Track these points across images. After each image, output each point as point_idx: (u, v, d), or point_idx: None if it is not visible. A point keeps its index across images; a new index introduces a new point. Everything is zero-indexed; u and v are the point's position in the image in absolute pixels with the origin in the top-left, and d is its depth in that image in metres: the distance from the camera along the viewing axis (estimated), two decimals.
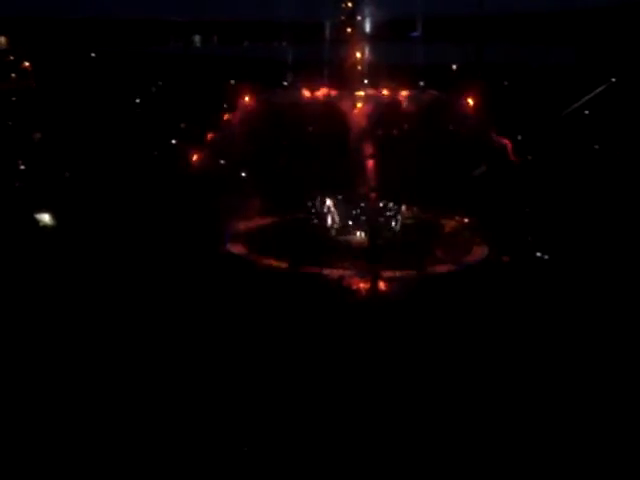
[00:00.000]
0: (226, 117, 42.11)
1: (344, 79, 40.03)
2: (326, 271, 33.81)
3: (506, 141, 40.83)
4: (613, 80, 63.74)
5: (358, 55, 40.05)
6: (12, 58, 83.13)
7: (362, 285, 32.96)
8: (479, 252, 37.37)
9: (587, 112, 62.37)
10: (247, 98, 41.26)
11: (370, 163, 38.88)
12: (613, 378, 25.23)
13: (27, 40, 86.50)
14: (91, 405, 23.53)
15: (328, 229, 39.32)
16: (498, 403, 23.96)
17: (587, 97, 61.69)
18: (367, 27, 40.25)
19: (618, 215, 39.85)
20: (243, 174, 42.93)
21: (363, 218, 39.02)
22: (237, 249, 37.11)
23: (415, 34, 58.17)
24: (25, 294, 30.96)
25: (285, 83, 54.60)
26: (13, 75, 79.37)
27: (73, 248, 35.78)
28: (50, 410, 23.44)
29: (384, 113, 40.03)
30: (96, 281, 32.21)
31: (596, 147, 54.18)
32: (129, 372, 25.48)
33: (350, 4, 39.82)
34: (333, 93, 40.03)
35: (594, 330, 28.19)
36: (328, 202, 39.47)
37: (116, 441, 22.02)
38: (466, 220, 40.70)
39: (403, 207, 40.17)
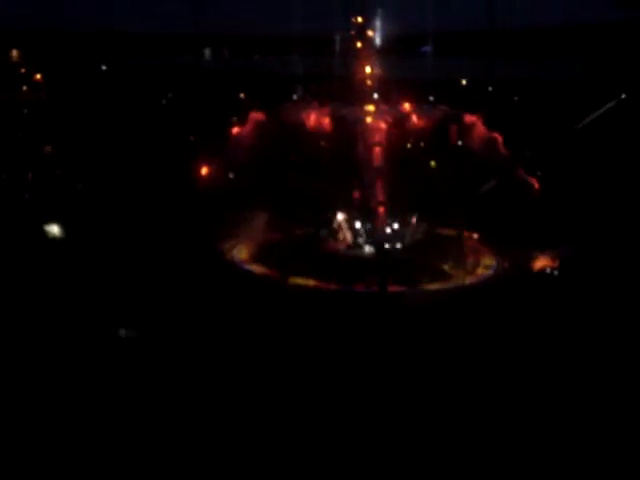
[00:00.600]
0: (235, 131, 42.17)
1: (354, 94, 40.06)
2: (336, 287, 33.79)
3: (515, 156, 40.81)
4: (624, 96, 63.70)
5: (368, 70, 40.10)
6: (24, 70, 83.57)
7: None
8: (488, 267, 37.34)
9: (597, 127, 62.25)
10: (257, 112, 41.31)
11: (380, 178, 38.88)
12: (625, 389, 25.16)
13: (39, 52, 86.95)
14: (88, 421, 23.45)
15: (339, 245, 39.24)
16: (509, 415, 23.91)
17: (599, 111, 61.60)
18: (377, 42, 40.31)
19: (629, 229, 39.71)
20: (253, 189, 42.90)
21: (373, 233, 38.97)
22: (247, 264, 37.18)
23: (425, 49, 58.32)
24: (33, 303, 31.07)
25: (295, 97, 54.67)
26: (25, 87, 79.76)
27: (81, 259, 35.86)
28: (48, 415, 23.56)
29: (394, 128, 40.03)
30: (102, 292, 32.30)
31: (606, 162, 54.03)
32: (129, 383, 25.48)
33: (360, 19, 39.90)
34: (343, 107, 40.06)
35: (603, 343, 28.14)
36: (339, 217, 39.44)
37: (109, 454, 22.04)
38: (476, 235, 40.62)
39: (413, 222, 40.11)
